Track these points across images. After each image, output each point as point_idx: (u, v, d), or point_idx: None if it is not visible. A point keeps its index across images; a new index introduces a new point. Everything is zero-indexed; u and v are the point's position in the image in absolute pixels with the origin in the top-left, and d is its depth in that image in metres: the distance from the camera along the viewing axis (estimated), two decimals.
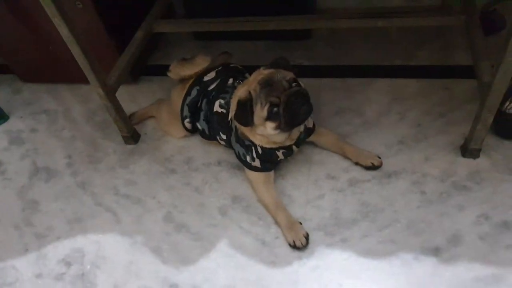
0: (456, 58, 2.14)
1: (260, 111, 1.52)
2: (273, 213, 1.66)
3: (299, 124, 1.62)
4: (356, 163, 1.76)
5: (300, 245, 1.55)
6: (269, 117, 1.52)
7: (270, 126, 1.54)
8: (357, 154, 1.76)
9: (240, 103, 1.53)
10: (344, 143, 1.80)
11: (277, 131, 1.56)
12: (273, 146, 1.66)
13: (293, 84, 1.54)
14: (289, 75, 1.55)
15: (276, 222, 1.64)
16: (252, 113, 1.53)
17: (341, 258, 1.52)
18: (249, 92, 1.53)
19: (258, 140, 1.65)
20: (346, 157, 1.78)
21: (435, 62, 2.15)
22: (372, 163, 1.73)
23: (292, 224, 1.60)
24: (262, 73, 1.57)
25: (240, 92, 1.58)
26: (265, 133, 1.58)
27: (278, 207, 1.65)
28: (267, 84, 1.51)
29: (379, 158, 1.74)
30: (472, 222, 1.54)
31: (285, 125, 1.54)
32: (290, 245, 1.57)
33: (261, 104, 1.51)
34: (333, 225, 1.61)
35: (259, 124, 1.56)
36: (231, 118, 1.69)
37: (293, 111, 1.51)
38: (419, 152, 1.78)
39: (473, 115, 1.62)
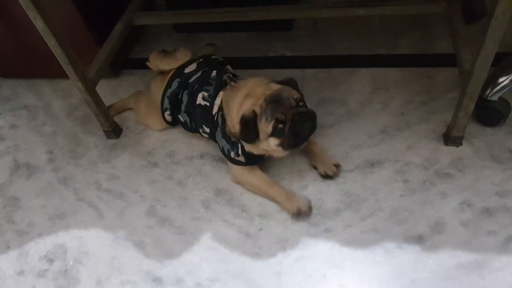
0: (437, 46, 2.15)
1: (265, 127, 1.50)
2: (268, 192, 1.64)
3: (302, 144, 1.61)
4: (314, 167, 1.74)
5: (306, 208, 1.56)
6: (273, 133, 1.51)
7: (273, 142, 1.53)
8: (316, 158, 1.73)
9: (244, 120, 1.51)
10: (312, 143, 1.75)
11: (279, 148, 1.55)
12: (263, 153, 1.65)
13: (300, 103, 1.53)
14: (297, 94, 1.54)
15: (273, 200, 1.64)
16: (256, 129, 1.51)
17: (324, 248, 1.52)
18: (254, 111, 1.51)
19: (249, 148, 1.62)
20: (307, 157, 1.77)
21: (417, 50, 2.15)
22: (325, 172, 1.69)
23: (290, 194, 1.60)
24: (271, 88, 1.55)
25: (247, 107, 1.54)
26: (268, 148, 1.57)
27: (270, 184, 1.65)
28: (274, 100, 1.50)
29: (337, 166, 1.69)
30: (455, 209, 1.54)
31: (288, 144, 1.53)
32: (294, 213, 1.57)
33: (266, 119, 1.49)
34: (316, 215, 1.60)
35: (263, 140, 1.54)
36: (216, 112, 1.67)
37: (297, 130, 1.51)
38: (401, 140, 1.78)
39: (455, 103, 1.62)
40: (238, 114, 1.56)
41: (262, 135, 1.53)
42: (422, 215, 1.55)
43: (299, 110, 1.51)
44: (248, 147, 1.62)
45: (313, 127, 1.55)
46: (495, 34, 1.31)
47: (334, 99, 2.00)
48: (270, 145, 1.55)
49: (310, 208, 1.58)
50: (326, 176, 1.70)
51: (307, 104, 1.57)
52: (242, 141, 1.61)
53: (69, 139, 2.09)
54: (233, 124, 1.59)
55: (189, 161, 1.88)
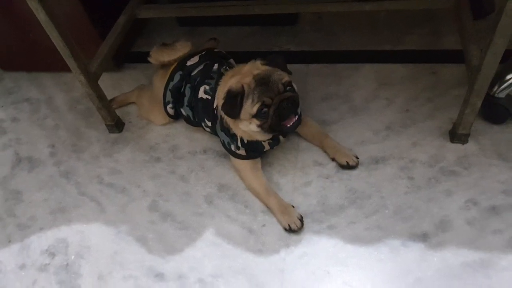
0: (443, 42, 2.12)
1: (249, 107, 1.50)
2: (265, 199, 1.63)
3: (281, 132, 1.62)
4: (333, 159, 1.73)
5: (296, 227, 1.53)
6: (256, 115, 1.50)
7: (255, 122, 1.53)
8: (335, 150, 1.72)
9: (230, 94, 1.51)
10: (325, 136, 1.76)
11: (259, 129, 1.55)
12: (254, 139, 1.64)
13: (288, 88, 1.52)
14: (285, 77, 1.53)
15: (268, 208, 1.62)
16: (241, 106, 1.50)
17: (328, 245, 1.50)
18: (242, 86, 1.50)
19: (239, 133, 1.62)
20: (324, 151, 1.76)
21: (422, 46, 2.13)
22: (347, 162, 1.69)
23: (285, 208, 1.58)
24: (259, 67, 1.54)
25: (233, 83, 1.54)
26: (248, 129, 1.57)
27: (268, 192, 1.63)
28: (263, 82, 1.49)
29: (357, 158, 1.70)
30: (460, 207, 1.53)
31: (269, 127, 1.53)
32: (285, 229, 1.55)
33: (253, 100, 1.49)
34: (320, 212, 1.59)
35: (244, 119, 1.54)
36: (216, 106, 1.66)
37: (281, 116, 1.51)
38: (406, 137, 1.76)
39: (460, 100, 1.61)
40: (223, 91, 1.56)
41: (244, 115, 1.52)
42: (427, 212, 1.53)
43: (287, 96, 1.50)
44: (227, 121, 1.62)
45: (298, 119, 1.55)
46: (505, 30, 1.29)
47: (339, 94, 1.98)
48: (251, 125, 1.54)
49: (301, 225, 1.55)
50: (347, 167, 1.69)
51: (295, 87, 1.56)
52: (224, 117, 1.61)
53: (71, 133, 2.07)
54: (219, 101, 1.59)
55: (192, 156, 1.86)
